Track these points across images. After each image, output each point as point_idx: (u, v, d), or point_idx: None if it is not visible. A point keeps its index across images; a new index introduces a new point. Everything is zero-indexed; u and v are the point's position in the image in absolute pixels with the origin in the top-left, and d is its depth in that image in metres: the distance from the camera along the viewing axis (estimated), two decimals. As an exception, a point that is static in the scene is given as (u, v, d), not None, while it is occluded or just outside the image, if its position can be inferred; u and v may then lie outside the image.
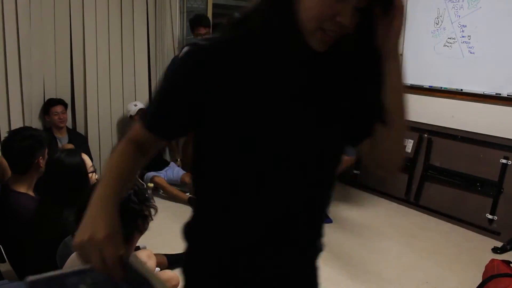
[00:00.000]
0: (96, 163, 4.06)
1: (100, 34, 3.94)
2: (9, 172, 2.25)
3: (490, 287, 2.35)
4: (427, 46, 3.79)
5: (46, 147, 2.18)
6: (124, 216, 1.38)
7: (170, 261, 2.77)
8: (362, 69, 0.86)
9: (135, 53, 4.17)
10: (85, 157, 2.02)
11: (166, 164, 4.27)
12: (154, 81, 4.37)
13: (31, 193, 2.15)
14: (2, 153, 2.27)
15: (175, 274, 2.36)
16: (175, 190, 3.97)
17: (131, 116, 4.06)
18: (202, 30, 3.97)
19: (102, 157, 4.16)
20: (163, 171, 4.16)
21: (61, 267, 1.86)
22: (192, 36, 4.13)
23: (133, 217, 1.43)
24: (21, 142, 2.11)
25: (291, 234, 0.93)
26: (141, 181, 3.75)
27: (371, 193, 4.36)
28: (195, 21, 4.07)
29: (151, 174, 4.06)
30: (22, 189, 2.12)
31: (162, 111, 0.90)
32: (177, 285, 2.29)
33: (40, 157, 2.14)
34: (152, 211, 1.52)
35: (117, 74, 4.13)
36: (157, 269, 2.71)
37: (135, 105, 4.07)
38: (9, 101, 3.59)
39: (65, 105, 3.76)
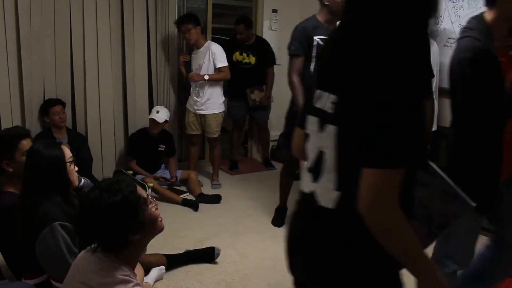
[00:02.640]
0: (97, 163, 4.06)
1: (100, 34, 3.94)
2: None
3: (490, 287, 2.34)
4: (427, 46, 3.78)
5: (14, 150, 2.08)
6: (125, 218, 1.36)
7: (170, 261, 2.75)
8: None
9: (135, 53, 4.17)
10: (65, 149, 2.01)
11: (158, 167, 4.28)
12: (154, 81, 4.37)
13: (17, 190, 2.12)
14: None
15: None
16: (167, 192, 3.94)
17: (153, 120, 3.97)
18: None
19: (102, 157, 4.16)
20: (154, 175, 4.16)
21: (41, 262, 1.83)
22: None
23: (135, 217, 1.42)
24: None
25: None
26: (141, 181, 3.72)
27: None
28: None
29: (140, 177, 3.97)
30: (8, 188, 2.10)
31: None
32: None
33: (5, 161, 2.07)
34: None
35: (117, 74, 4.13)
36: (162, 267, 2.68)
37: (157, 112, 4.00)
38: (10, 101, 3.59)
39: (63, 104, 3.76)
